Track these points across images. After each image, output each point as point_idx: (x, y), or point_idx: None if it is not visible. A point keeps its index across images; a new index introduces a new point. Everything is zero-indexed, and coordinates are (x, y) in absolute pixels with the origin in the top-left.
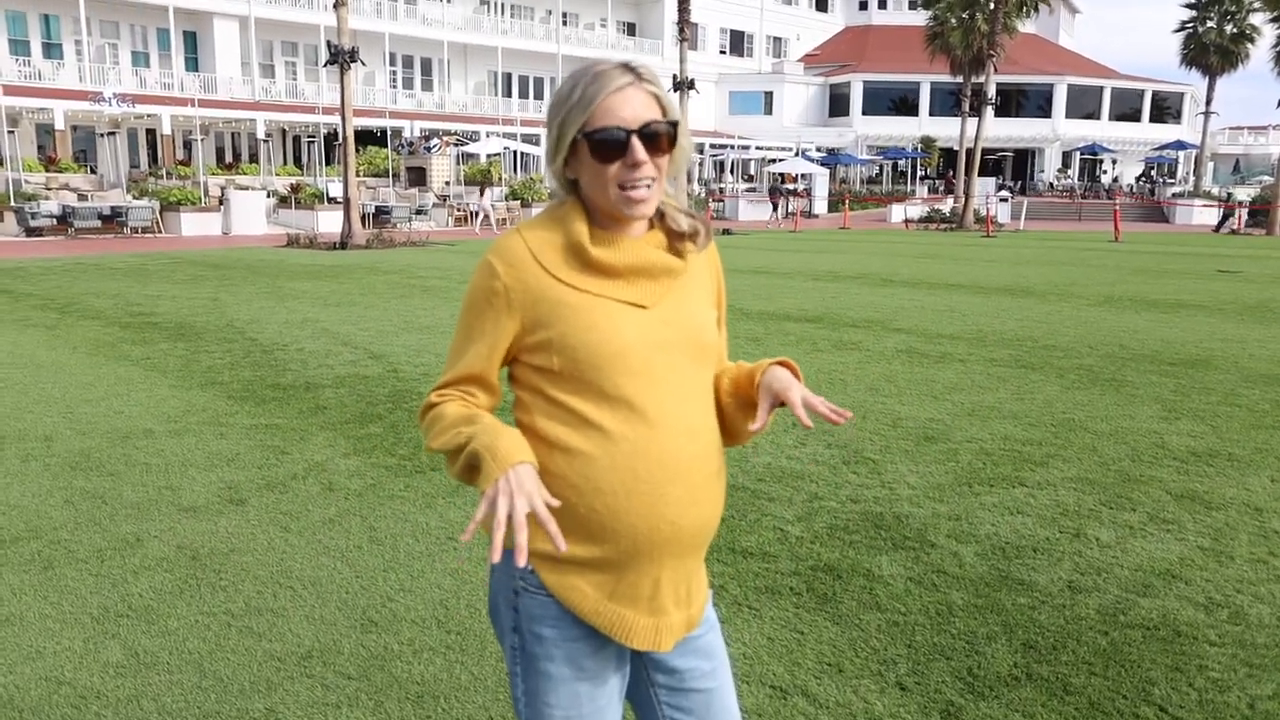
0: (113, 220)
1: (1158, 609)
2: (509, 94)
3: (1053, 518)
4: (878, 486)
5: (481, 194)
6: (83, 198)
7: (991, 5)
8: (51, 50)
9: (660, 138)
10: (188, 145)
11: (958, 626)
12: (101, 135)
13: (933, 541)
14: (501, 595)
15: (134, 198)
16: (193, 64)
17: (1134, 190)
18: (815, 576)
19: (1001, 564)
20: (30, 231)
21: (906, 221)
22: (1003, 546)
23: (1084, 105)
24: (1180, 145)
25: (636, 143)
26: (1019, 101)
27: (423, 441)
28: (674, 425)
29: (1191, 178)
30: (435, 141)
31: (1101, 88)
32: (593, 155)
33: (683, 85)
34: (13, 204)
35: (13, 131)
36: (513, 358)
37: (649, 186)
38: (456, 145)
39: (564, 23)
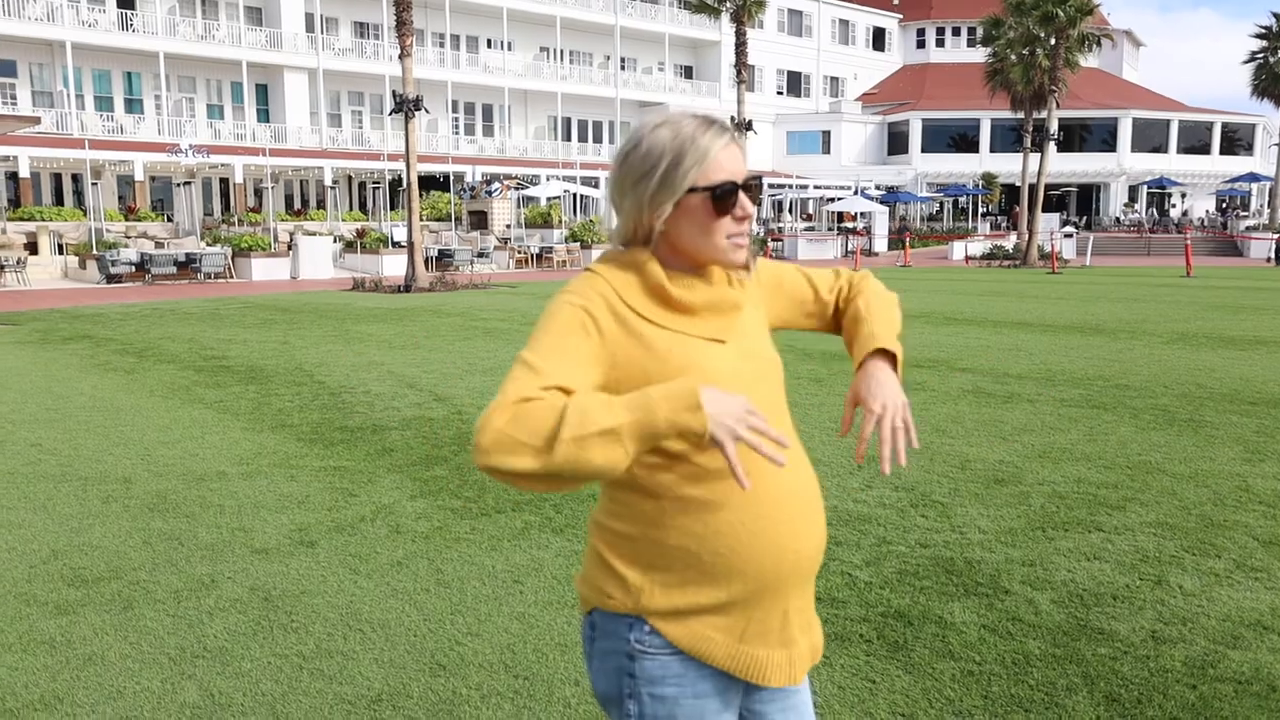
0: (187, 266)
1: (1249, 662)
2: (568, 138)
3: (1132, 564)
4: (948, 530)
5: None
6: (159, 245)
7: (1053, 41)
8: (133, 105)
9: (757, 191)
10: (258, 193)
11: (1036, 677)
12: (178, 185)
13: (1006, 588)
14: (611, 664)
15: (207, 244)
16: (264, 115)
17: (1205, 224)
18: (886, 623)
19: (1080, 612)
20: (110, 278)
21: (967, 258)
22: (1080, 594)
23: (1150, 138)
24: (1253, 177)
25: (743, 197)
26: (1082, 136)
27: (490, 484)
28: (789, 458)
29: (1266, 210)
30: (496, 185)
31: (1168, 120)
32: (714, 208)
33: (741, 126)
34: (95, 252)
35: (96, 183)
36: None
37: (749, 236)
38: (517, 189)
39: (622, 67)
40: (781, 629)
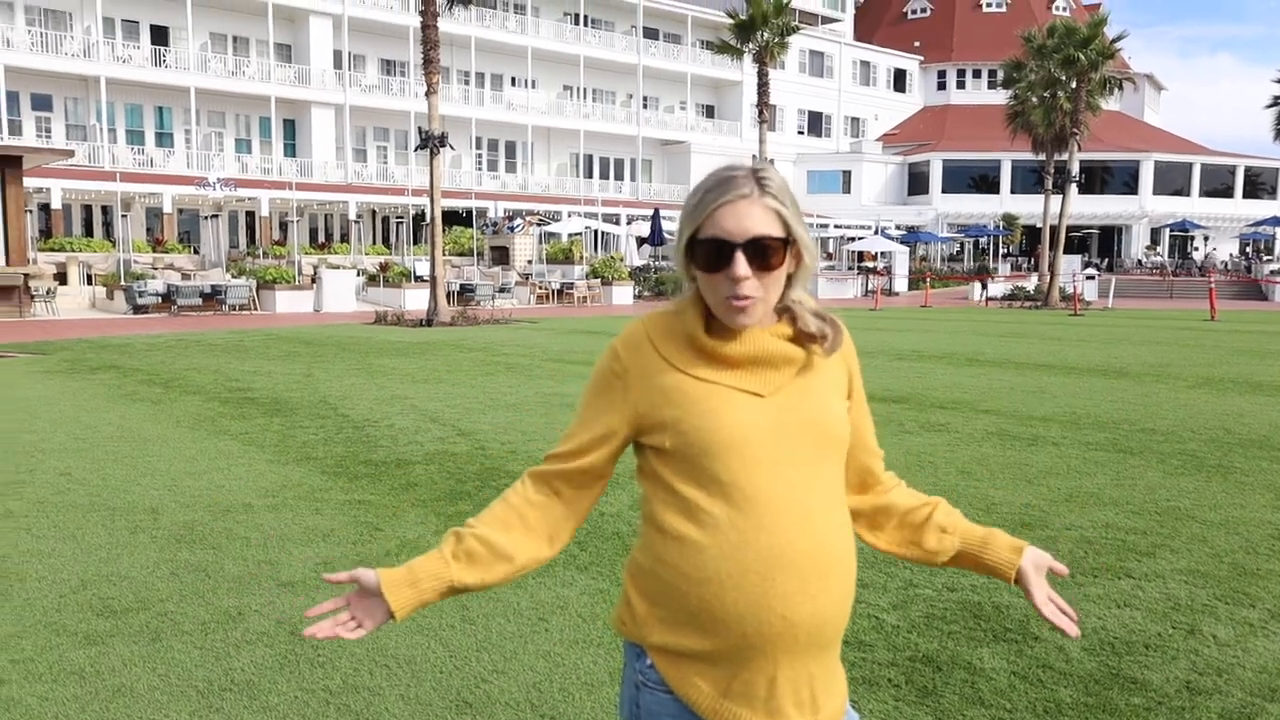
0: (213, 298)
1: None
2: (590, 175)
3: (1164, 612)
4: (974, 574)
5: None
6: (186, 277)
7: (1074, 84)
8: (163, 139)
9: (770, 253)
10: (283, 226)
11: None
12: (205, 217)
13: (1036, 634)
14: (627, 691)
15: (232, 276)
16: (290, 149)
17: (1229, 267)
18: (914, 668)
19: (1111, 660)
20: (137, 309)
21: (987, 299)
22: (1111, 642)
23: (1172, 181)
24: (1277, 221)
25: (740, 257)
26: (1104, 178)
27: None
28: (786, 515)
29: None
30: (518, 221)
31: (1190, 164)
32: (696, 263)
33: None
34: (123, 283)
35: (125, 215)
36: (635, 443)
37: (751, 300)
38: (539, 225)
39: (644, 106)
40: (768, 697)
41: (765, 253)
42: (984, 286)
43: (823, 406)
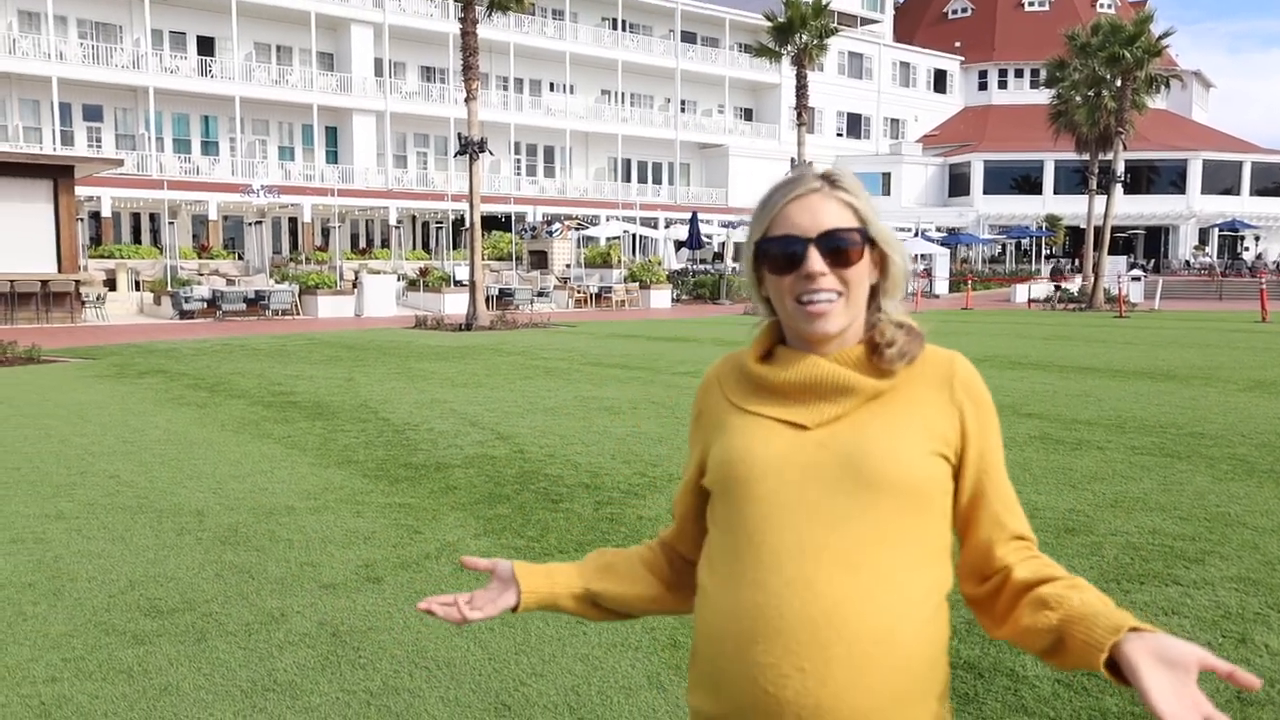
0: (256, 303)
1: None
2: (628, 179)
3: (1214, 620)
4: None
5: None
6: (230, 282)
7: (1119, 83)
8: (208, 147)
9: (847, 249)
10: (325, 232)
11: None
12: (249, 224)
13: None
14: None
15: (276, 282)
16: (332, 156)
17: None
18: (956, 675)
19: None
20: (183, 314)
21: (1030, 301)
22: None
23: (1221, 180)
24: None
25: (814, 252)
26: (1150, 178)
27: (552, 524)
28: (781, 570)
29: None
30: (557, 225)
31: (1240, 162)
32: (766, 264)
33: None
34: (169, 289)
35: (172, 222)
36: None
37: (830, 301)
38: (577, 229)
39: (682, 110)
40: None
41: (842, 247)
42: (1052, 283)
43: (879, 444)
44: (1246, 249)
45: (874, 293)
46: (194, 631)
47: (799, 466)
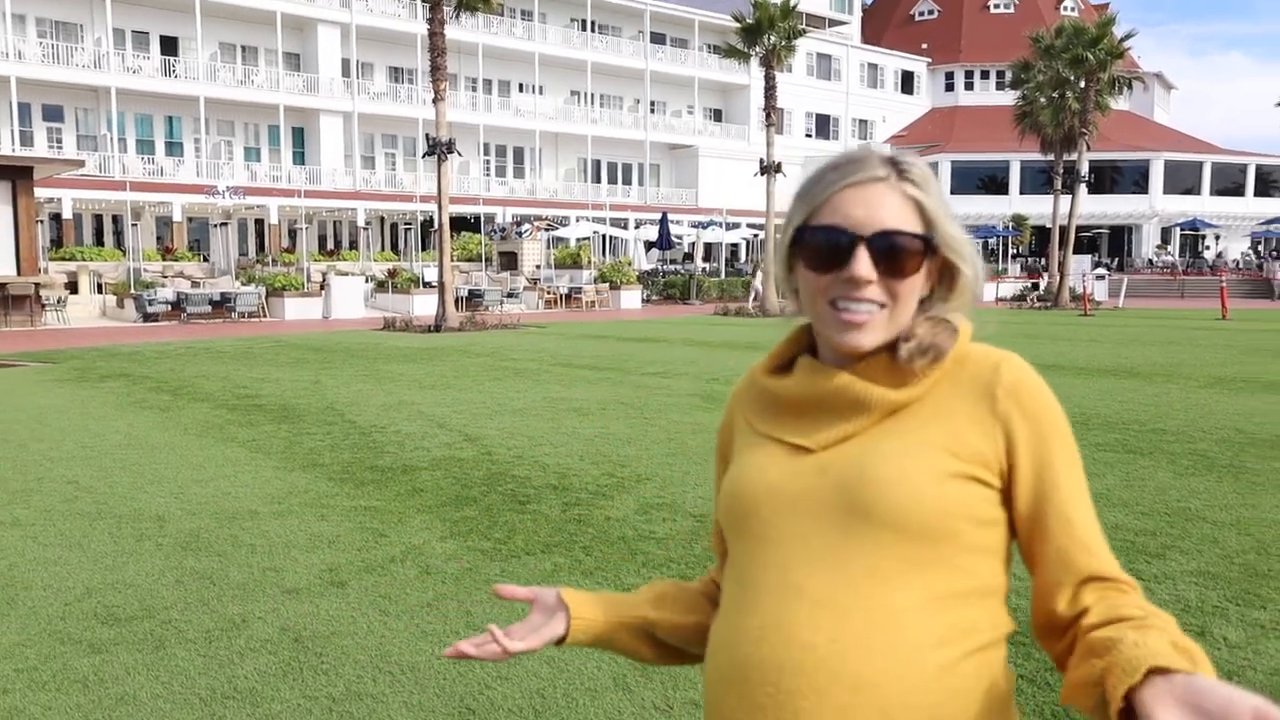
0: (222, 306)
1: None
2: (598, 180)
3: (1174, 614)
4: None
5: (753, 273)
6: (195, 285)
7: (1083, 84)
8: (173, 148)
9: (903, 256)
10: (292, 233)
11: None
12: (214, 226)
13: None
14: None
15: (242, 284)
16: (299, 157)
17: (1240, 266)
18: None
19: None
20: (147, 317)
21: (998, 300)
22: None
23: (1183, 180)
24: None
25: (863, 253)
26: (1113, 178)
27: (519, 525)
28: (757, 612)
29: None
30: (526, 226)
31: (1201, 162)
32: (804, 256)
33: (770, 169)
34: (133, 291)
35: (135, 224)
36: None
37: (870, 313)
38: (547, 230)
39: (651, 110)
40: None
41: (898, 254)
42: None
43: (883, 468)
44: (1207, 248)
45: (921, 301)
46: (152, 639)
47: (791, 496)
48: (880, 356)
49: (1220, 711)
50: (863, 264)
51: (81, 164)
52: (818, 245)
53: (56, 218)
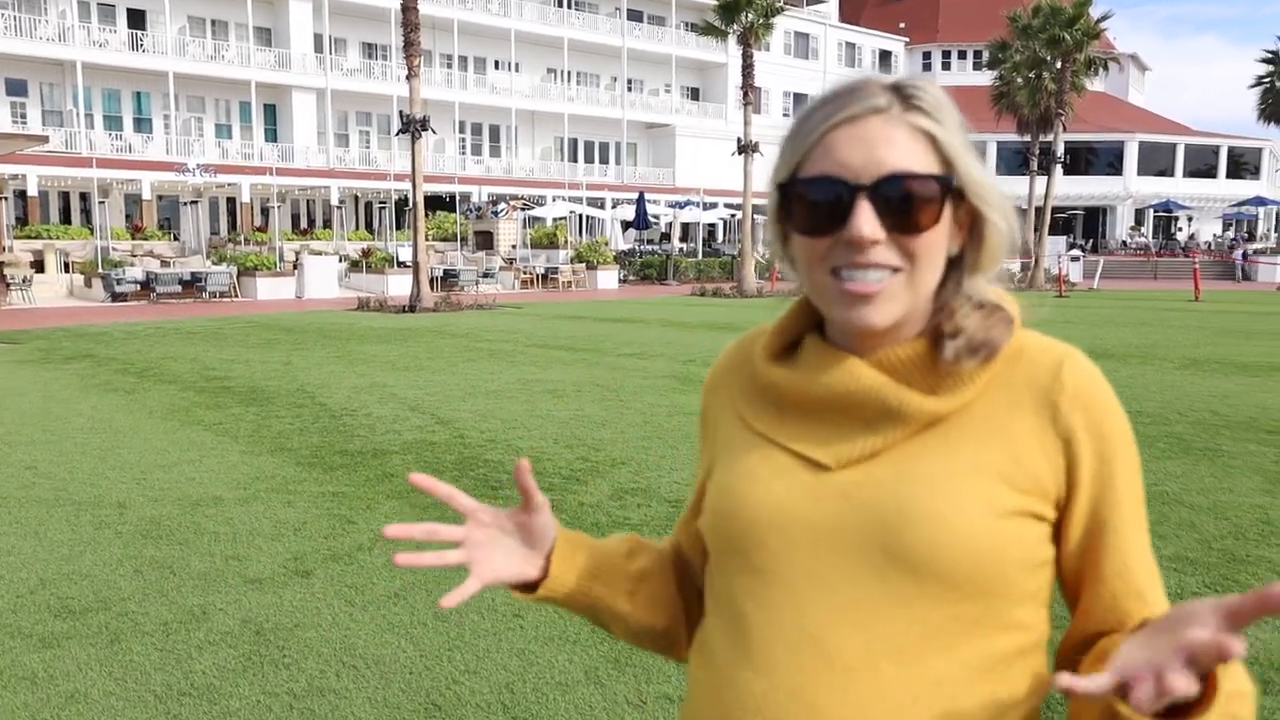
0: (193, 285)
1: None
2: (575, 159)
3: None
4: None
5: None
6: (165, 264)
7: (1059, 65)
8: (141, 124)
9: (916, 205)
10: (265, 212)
11: (1060, 714)
12: (185, 204)
13: None
14: None
15: (213, 263)
16: (271, 134)
17: (1212, 248)
18: None
19: None
20: (116, 297)
21: None
22: None
23: (1156, 162)
24: (1260, 201)
25: (864, 206)
26: (1088, 159)
27: None
28: (776, 674)
29: (1274, 234)
30: (502, 206)
31: (1174, 144)
32: (793, 218)
33: (747, 148)
34: (101, 270)
35: (103, 202)
36: None
37: (881, 280)
38: (523, 209)
39: (629, 89)
40: None
41: (909, 203)
42: None
43: (927, 501)
44: (1180, 229)
45: (952, 263)
46: (107, 632)
47: (811, 526)
48: (915, 348)
49: (1170, 624)
50: (865, 220)
51: (45, 140)
52: (809, 202)
53: (22, 195)
